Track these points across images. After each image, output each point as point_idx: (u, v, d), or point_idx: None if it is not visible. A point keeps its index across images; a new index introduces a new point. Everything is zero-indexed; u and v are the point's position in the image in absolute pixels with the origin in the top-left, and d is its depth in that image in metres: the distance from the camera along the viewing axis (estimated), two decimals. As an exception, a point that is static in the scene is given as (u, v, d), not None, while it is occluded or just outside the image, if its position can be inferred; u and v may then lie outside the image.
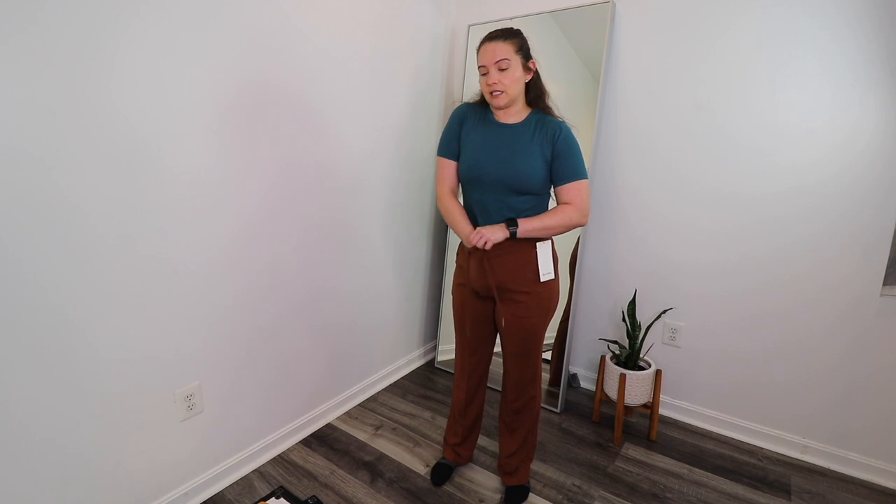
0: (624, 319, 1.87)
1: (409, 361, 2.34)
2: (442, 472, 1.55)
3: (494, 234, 1.21)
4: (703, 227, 1.80)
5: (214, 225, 1.35)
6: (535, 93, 1.29)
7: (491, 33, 1.24)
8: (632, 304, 1.83)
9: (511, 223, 1.22)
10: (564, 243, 1.98)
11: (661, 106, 1.81)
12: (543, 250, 1.29)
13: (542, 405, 2.02)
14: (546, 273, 1.28)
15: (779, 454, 1.76)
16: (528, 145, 1.23)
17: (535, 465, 1.64)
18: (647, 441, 1.81)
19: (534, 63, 1.26)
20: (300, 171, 1.58)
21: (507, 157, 1.24)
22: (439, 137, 1.40)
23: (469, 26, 2.13)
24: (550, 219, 1.23)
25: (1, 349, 0.99)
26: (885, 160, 1.47)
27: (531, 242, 1.28)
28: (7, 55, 0.92)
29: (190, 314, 1.33)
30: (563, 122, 1.27)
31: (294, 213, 1.59)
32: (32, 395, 1.05)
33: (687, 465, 1.68)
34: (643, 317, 1.91)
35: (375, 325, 2.08)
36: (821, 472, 1.67)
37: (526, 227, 1.22)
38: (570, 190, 1.22)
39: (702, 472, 1.65)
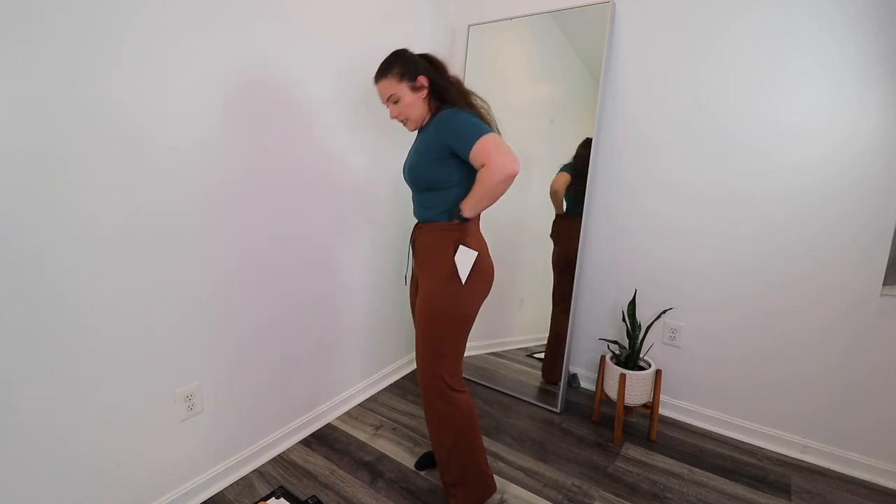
0: (624, 319, 1.87)
1: (409, 361, 2.34)
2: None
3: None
4: (703, 227, 1.80)
5: (214, 224, 1.35)
6: (439, 97, 1.31)
7: (375, 73, 1.31)
8: (632, 304, 1.83)
9: (456, 213, 1.27)
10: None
11: (661, 106, 1.81)
12: (462, 250, 1.27)
13: (543, 405, 2.02)
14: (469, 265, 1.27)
15: (779, 454, 1.76)
16: (423, 145, 1.29)
17: (536, 465, 1.64)
18: (647, 441, 1.81)
19: (422, 79, 1.28)
20: (299, 173, 1.58)
21: (409, 161, 1.35)
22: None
23: (469, 26, 2.13)
24: (479, 188, 1.20)
25: (0, 349, 0.99)
26: (885, 160, 1.47)
27: (447, 232, 1.29)
28: (11, 54, 0.92)
29: (190, 315, 1.33)
30: (447, 108, 1.26)
31: (294, 214, 1.59)
32: (32, 395, 1.05)
33: (687, 465, 1.68)
34: (643, 317, 1.91)
35: (376, 324, 2.08)
36: (821, 472, 1.67)
37: (467, 207, 1.24)
38: (476, 154, 1.16)
39: (702, 472, 1.65)
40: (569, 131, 1.96)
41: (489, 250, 1.36)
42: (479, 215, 1.31)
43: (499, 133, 1.28)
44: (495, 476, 1.56)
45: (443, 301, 1.28)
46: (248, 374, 1.54)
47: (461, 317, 1.30)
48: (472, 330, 1.34)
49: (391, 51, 1.30)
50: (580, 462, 1.68)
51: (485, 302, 1.36)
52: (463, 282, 1.26)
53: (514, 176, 1.14)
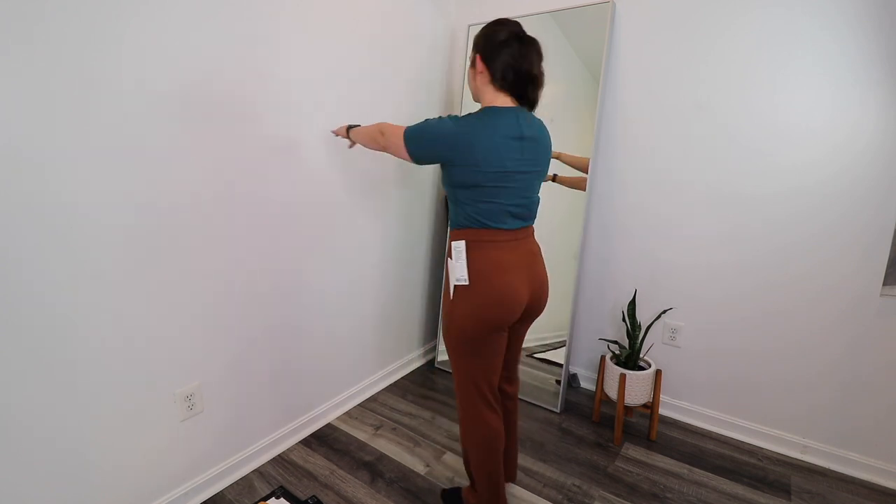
0: (624, 319, 1.87)
1: (409, 361, 2.34)
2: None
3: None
4: (703, 227, 1.80)
5: (214, 225, 1.35)
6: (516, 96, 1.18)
7: None
8: (632, 304, 1.83)
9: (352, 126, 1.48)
10: (565, 242, 1.99)
11: (662, 106, 1.81)
12: (455, 251, 1.17)
13: (543, 405, 2.03)
14: (456, 279, 1.17)
15: (779, 454, 1.76)
16: None
17: (536, 465, 1.64)
18: (647, 441, 1.81)
19: (478, 59, 1.16)
20: (298, 174, 1.58)
21: None
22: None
23: (469, 26, 2.13)
24: (376, 128, 1.32)
25: (0, 350, 0.99)
26: (885, 160, 1.47)
27: (452, 238, 1.21)
28: (5, 55, 0.92)
29: (190, 314, 1.33)
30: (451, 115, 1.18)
31: (293, 213, 1.59)
32: (32, 395, 1.05)
33: (687, 465, 1.68)
34: (643, 317, 1.91)
35: (376, 324, 2.08)
36: (821, 472, 1.67)
37: (355, 129, 1.46)
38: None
39: (702, 472, 1.65)
40: (569, 131, 1.96)
41: (514, 265, 1.17)
42: (498, 230, 1.17)
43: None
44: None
45: (444, 314, 1.25)
46: (248, 374, 1.54)
47: (456, 333, 1.19)
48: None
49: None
50: (580, 462, 1.68)
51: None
52: (450, 294, 1.18)
53: (377, 144, 1.32)
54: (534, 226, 1.28)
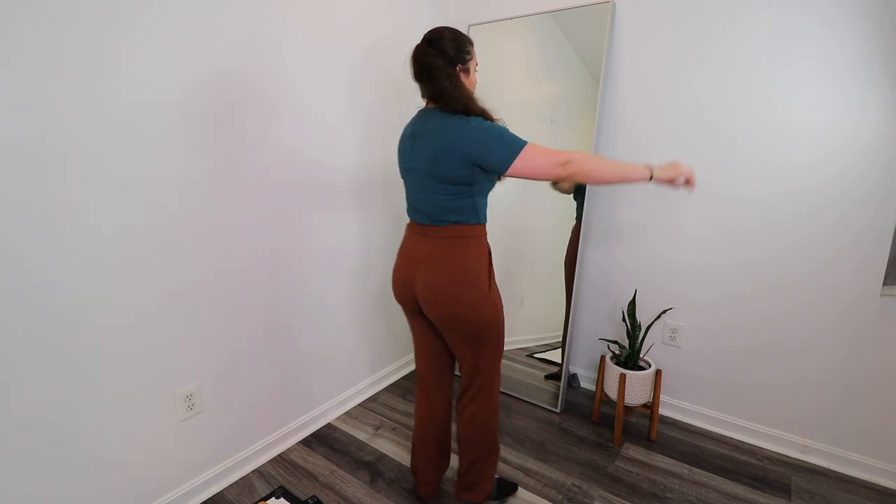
0: (624, 319, 1.87)
1: (409, 361, 2.34)
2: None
3: None
4: (703, 228, 1.80)
5: (215, 226, 1.35)
6: None
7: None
8: (632, 304, 1.83)
9: None
10: (565, 243, 1.98)
11: (662, 106, 1.80)
12: None
13: (543, 405, 2.03)
14: None
15: (779, 454, 1.76)
16: None
17: (536, 465, 1.64)
18: (647, 441, 1.81)
19: None
20: (298, 175, 1.58)
21: None
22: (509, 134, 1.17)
23: (469, 26, 2.13)
24: None
25: (0, 349, 0.99)
26: (886, 160, 1.47)
27: None
28: (6, 55, 0.92)
29: (190, 314, 1.33)
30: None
31: (293, 214, 1.59)
32: (32, 395, 1.05)
33: (687, 465, 1.68)
34: (643, 317, 1.91)
35: (376, 324, 2.08)
36: (821, 472, 1.66)
37: None
38: None
39: (702, 472, 1.65)
40: (569, 131, 1.96)
41: (407, 254, 1.27)
42: (413, 222, 1.26)
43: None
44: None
45: None
46: (248, 374, 1.54)
47: None
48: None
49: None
50: (580, 462, 1.68)
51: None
52: None
53: None
54: (451, 231, 1.17)
